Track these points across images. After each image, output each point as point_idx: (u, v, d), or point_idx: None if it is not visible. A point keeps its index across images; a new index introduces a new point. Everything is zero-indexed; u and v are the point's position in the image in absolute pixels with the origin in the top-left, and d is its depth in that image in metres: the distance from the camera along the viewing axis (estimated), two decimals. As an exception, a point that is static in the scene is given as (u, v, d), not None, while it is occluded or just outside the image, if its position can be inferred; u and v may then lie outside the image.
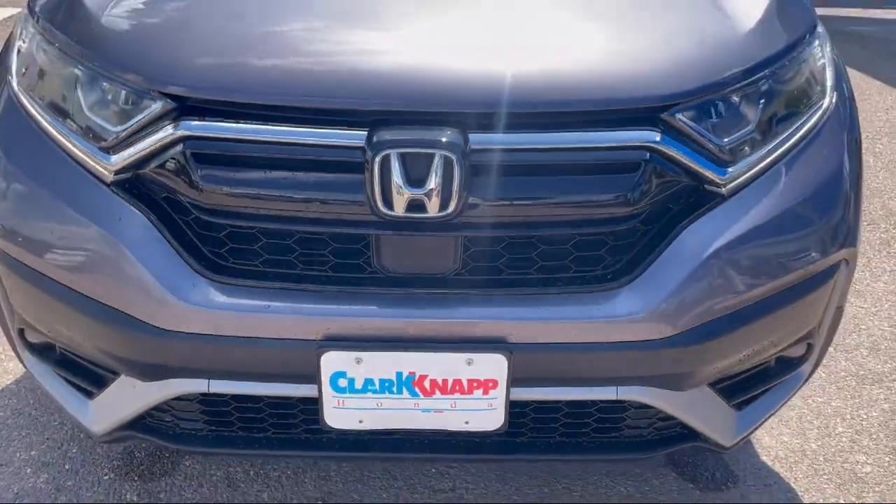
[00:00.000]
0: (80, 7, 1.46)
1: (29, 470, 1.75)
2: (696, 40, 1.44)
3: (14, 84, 1.47)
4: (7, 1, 5.66)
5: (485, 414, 1.32)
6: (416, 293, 1.28)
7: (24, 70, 1.48)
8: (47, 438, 1.85)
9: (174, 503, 1.68)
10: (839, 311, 1.60)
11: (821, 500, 1.75)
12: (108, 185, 1.31)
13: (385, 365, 1.28)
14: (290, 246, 1.29)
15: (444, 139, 1.21)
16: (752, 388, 1.54)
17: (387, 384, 1.29)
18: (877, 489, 1.78)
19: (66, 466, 1.77)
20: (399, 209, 1.22)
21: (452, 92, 1.25)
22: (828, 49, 1.60)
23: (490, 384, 1.29)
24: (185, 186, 1.27)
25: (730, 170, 1.35)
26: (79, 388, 1.49)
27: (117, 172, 1.31)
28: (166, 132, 1.27)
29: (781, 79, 1.46)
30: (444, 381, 1.29)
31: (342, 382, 1.29)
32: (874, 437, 1.93)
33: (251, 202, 1.27)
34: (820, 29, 1.61)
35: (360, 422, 1.33)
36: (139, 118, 1.29)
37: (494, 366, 1.28)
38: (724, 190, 1.34)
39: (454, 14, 1.45)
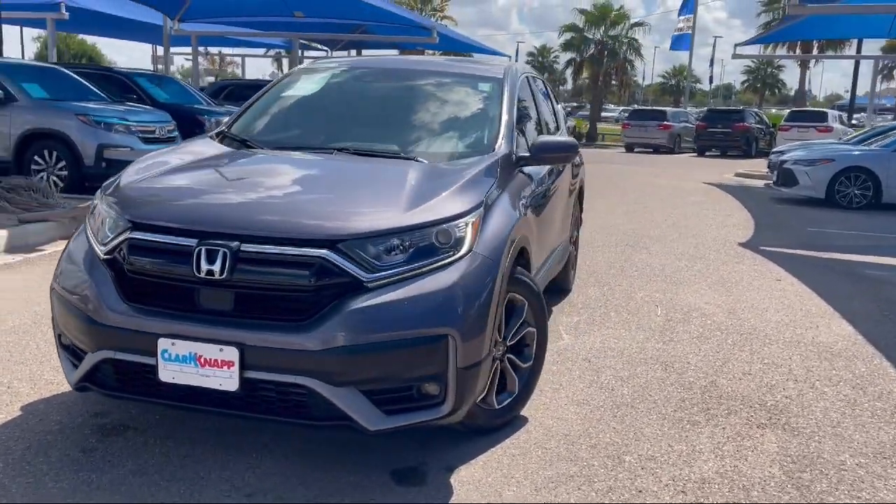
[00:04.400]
0: (116, 186, 3.18)
1: (45, 430, 3.25)
2: (365, 210, 2.88)
3: (87, 220, 3.17)
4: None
5: (229, 381, 2.67)
6: (204, 316, 2.72)
7: (92, 214, 3.19)
8: (58, 421, 3.35)
9: (116, 446, 3.08)
10: (464, 372, 2.78)
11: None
12: (101, 260, 2.92)
13: (184, 348, 2.69)
14: (159, 290, 2.80)
15: (227, 244, 2.70)
16: (398, 403, 2.75)
17: (184, 358, 2.69)
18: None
19: (62, 431, 3.25)
20: (203, 274, 2.70)
21: (232, 225, 2.77)
22: (470, 229, 2.93)
23: (231, 363, 2.65)
24: (123, 261, 2.85)
25: (373, 275, 2.70)
26: (73, 364, 3.02)
27: (104, 254, 2.92)
28: (124, 237, 2.87)
29: (428, 236, 2.83)
30: (210, 359, 2.67)
31: (166, 355, 2.70)
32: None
33: (146, 269, 2.81)
34: (467, 218, 2.95)
35: (173, 378, 2.72)
36: (118, 230, 2.91)
37: (233, 354, 2.65)
38: (368, 285, 2.69)
39: (243, 191, 3.10)
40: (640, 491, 2.91)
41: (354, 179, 3.31)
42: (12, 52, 16.96)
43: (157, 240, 2.82)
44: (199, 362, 2.69)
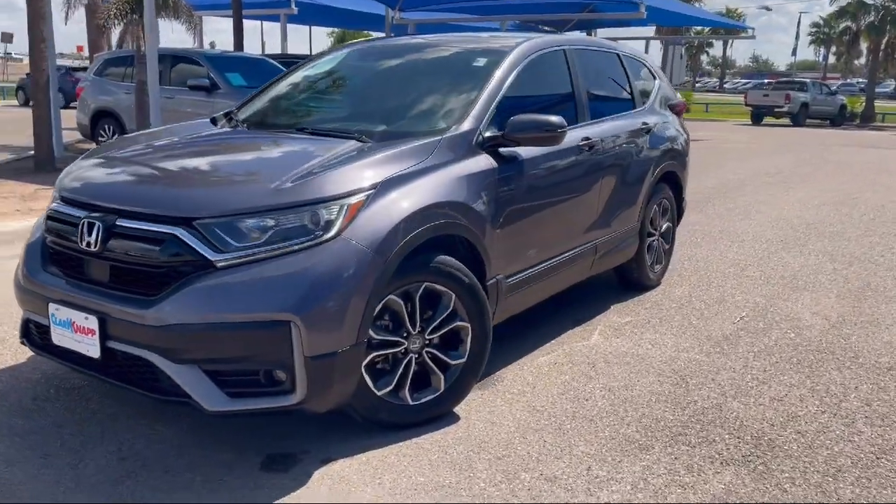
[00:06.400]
0: (63, 173, 3.46)
1: (25, 378, 3.65)
2: (237, 188, 2.87)
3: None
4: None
5: (93, 348, 2.80)
6: (81, 285, 2.87)
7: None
8: (43, 371, 3.73)
9: (63, 399, 3.38)
10: (314, 362, 2.65)
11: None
12: (43, 231, 3.22)
13: (64, 314, 2.88)
14: (60, 258, 3.02)
15: (104, 218, 2.83)
16: (243, 387, 2.69)
17: (63, 322, 2.88)
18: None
19: (38, 381, 3.62)
20: (83, 245, 2.86)
21: (110, 199, 2.90)
22: (343, 212, 2.77)
23: (93, 332, 2.78)
24: (45, 231, 3.10)
25: (222, 255, 2.67)
26: (30, 322, 3.37)
27: (43, 227, 3.20)
28: (48, 210, 3.13)
29: (299, 217, 2.74)
30: (80, 326, 2.82)
31: (53, 319, 2.91)
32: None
33: (55, 238, 3.04)
34: (343, 200, 2.79)
35: (59, 340, 2.92)
36: (53, 204, 3.19)
37: (94, 323, 2.78)
38: (217, 264, 2.67)
39: (149, 169, 3.22)
40: (498, 515, 2.57)
41: (261, 158, 3.29)
42: (301, 48, 19.06)
43: (61, 210, 3.05)
44: (73, 328, 2.86)
